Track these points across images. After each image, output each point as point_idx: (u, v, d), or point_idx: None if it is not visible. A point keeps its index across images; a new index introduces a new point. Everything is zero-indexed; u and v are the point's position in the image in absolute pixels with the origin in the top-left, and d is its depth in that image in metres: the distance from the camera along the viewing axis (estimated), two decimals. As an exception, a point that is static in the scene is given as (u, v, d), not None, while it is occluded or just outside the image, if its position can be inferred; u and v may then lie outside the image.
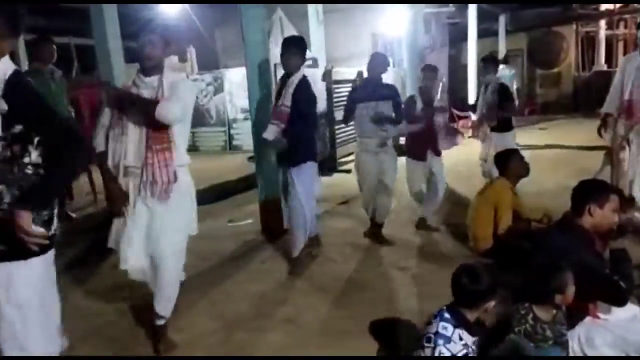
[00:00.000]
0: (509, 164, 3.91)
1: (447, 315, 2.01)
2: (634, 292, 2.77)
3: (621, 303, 2.41)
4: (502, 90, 5.35)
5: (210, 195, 5.96)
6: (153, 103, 2.60)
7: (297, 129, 3.72)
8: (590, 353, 2.37)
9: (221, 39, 13.36)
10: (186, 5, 11.99)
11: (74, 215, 5.78)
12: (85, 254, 4.58)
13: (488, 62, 5.59)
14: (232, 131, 10.70)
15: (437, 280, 3.60)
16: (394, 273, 3.90)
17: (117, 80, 5.62)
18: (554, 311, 2.24)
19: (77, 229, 5.23)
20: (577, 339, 2.39)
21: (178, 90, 2.67)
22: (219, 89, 10.56)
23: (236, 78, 10.06)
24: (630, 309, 2.52)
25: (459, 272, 2.09)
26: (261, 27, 4.69)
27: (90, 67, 9.60)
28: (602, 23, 15.63)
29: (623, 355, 2.35)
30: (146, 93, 2.69)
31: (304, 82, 3.76)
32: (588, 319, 2.44)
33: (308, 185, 3.85)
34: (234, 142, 10.71)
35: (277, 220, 4.84)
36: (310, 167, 3.88)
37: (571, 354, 2.40)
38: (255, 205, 5.13)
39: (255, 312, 3.38)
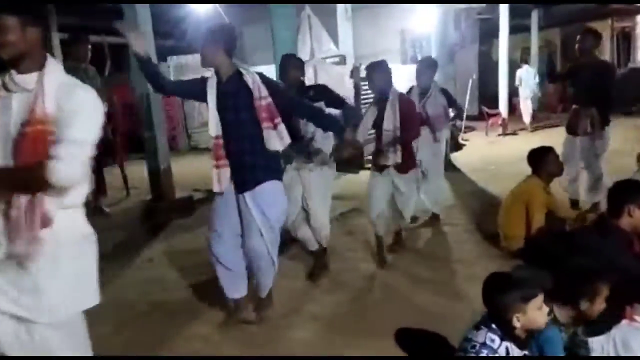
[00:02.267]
0: (543, 162, 3.83)
1: (494, 326, 1.93)
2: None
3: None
4: None
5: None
6: (34, 170, 1.65)
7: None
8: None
9: (250, 36, 13.45)
10: (216, 4, 12.13)
11: (107, 210, 5.93)
12: (119, 248, 4.70)
13: None
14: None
15: (464, 281, 3.57)
16: (420, 272, 3.87)
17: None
18: (572, 316, 2.17)
19: (111, 223, 5.37)
20: (613, 342, 2.32)
21: (79, 117, 1.72)
22: (247, 86, 10.69)
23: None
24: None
25: (486, 284, 2.01)
26: (290, 25, 4.71)
27: (123, 66, 9.82)
28: (639, 19, 15.11)
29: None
30: (17, 102, 1.75)
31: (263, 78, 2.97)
32: (625, 322, 2.37)
33: (273, 212, 2.99)
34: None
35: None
36: (274, 188, 3.00)
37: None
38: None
39: (281, 308, 3.39)
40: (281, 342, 2.99)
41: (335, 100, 3.71)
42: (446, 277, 3.75)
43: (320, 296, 3.57)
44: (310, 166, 3.66)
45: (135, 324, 3.28)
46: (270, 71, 4.82)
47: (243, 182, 2.94)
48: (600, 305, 2.11)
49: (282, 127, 2.90)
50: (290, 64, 3.70)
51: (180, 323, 3.22)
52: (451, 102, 4.90)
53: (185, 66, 11.40)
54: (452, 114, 5.13)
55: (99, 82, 5.78)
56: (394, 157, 3.84)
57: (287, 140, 2.94)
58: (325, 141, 3.66)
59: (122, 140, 6.75)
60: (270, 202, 2.95)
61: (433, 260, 4.08)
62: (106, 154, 5.84)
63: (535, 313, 1.89)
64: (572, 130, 4.93)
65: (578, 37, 4.90)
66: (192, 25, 12.48)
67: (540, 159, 3.83)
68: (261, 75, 2.97)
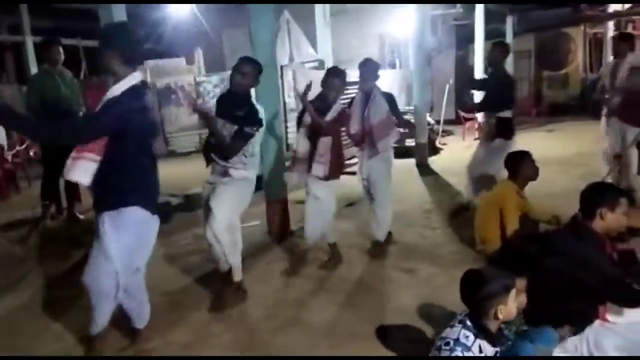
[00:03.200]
0: (518, 166, 3.89)
1: (469, 323, 1.97)
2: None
3: (635, 305, 2.40)
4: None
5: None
6: None
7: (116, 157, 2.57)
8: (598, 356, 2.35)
9: (229, 40, 13.41)
10: (194, 7, 12.06)
11: (81, 216, 5.82)
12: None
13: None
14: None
15: (443, 283, 3.61)
16: (401, 275, 3.90)
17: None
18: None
19: (85, 230, 5.27)
20: (586, 342, 2.37)
21: None
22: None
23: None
24: (638, 311, 2.51)
25: (464, 280, 2.05)
26: (269, 29, 4.71)
27: (98, 69, 9.66)
28: (610, 24, 15.54)
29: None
30: None
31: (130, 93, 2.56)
32: (597, 322, 2.43)
33: (129, 241, 2.66)
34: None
35: (283, 221, 4.88)
36: (134, 215, 2.65)
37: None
38: (262, 206, 5.14)
39: (263, 313, 3.39)
40: (263, 347, 2.98)
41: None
42: (425, 280, 3.78)
43: (302, 300, 3.56)
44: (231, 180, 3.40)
45: (113, 332, 3.22)
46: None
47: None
48: (521, 298, 2.16)
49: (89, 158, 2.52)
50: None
51: (159, 330, 3.18)
52: (393, 108, 4.31)
53: (162, 70, 11.28)
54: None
55: (76, 87, 5.69)
56: (321, 168, 3.84)
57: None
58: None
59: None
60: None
61: (412, 263, 4.11)
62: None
63: (513, 304, 1.96)
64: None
65: (489, 48, 5.06)
66: (169, 28, 12.38)
67: (516, 163, 3.90)
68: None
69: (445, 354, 1.95)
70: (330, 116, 3.88)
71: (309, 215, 4.02)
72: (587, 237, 2.40)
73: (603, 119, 5.24)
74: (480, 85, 5.30)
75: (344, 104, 4.22)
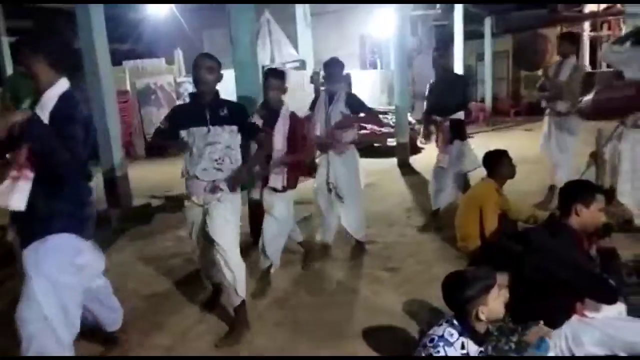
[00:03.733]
0: (496, 164, 3.94)
1: (455, 322, 2.00)
2: (622, 289, 2.83)
3: (612, 301, 2.45)
4: None
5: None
6: None
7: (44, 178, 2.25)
8: (577, 351, 2.39)
9: (209, 41, 13.33)
10: (174, 8, 11.95)
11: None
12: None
13: None
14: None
15: (425, 281, 3.64)
16: (383, 275, 3.91)
17: (105, 84, 5.59)
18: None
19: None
20: (564, 337, 2.41)
21: None
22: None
23: (225, 80, 10.07)
24: (616, 306, 2.56)
25: (445, 284, 2.06)
26: (249, 29, 4.69)
27: (76, 70, 9.52)
28: (586, 25, 15.86)
29: (610, 354, 2.38)
30: None
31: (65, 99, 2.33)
32: (575, 317, 2.47)
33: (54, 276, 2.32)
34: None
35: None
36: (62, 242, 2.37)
37: (558, 353, 2.43)
38: (244, 207, 5.12)
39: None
40: (245, 349, 2.96)
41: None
42: (407, 278, 3.81)
43: (284, 301, 3.55)
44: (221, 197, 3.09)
45: (91, 337, 3.17)
46: (229, 76, 4.78)
47: None
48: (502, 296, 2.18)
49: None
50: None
51: (140, 334, 3.14)
52: (357, 107, 4.12)
53: (141, 70, 11.16)
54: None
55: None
56: (278, 179, 3.64)
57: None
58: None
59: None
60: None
61: (394, 262, 4.14)
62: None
63: (495, 303, 1.96)
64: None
65: (440, 53, 4.92)
66: (148, 29, 12.25)
67: (493, 161, 3.95)
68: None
69: (429, 351, 1.97)
70: (280, 123, 3.62)
71: (268, 237, 3.74)
72: (564, 234, 2.44)
73: (546, 118, 5.36)
74: (430, 88, 5.07)
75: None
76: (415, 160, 8.61)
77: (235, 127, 3.11)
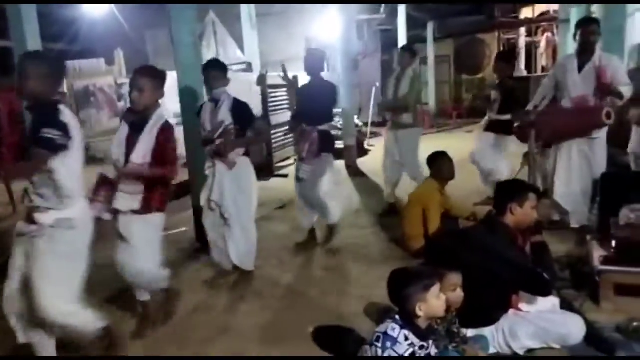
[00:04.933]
0: (437, 165, 4.07)
1: (397, 317, 2.06)
2: (555, 283, 2.99)
3: (546, 293, 2.58)
4: None
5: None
6: None
7: None
8: (513, 345, 2.51)
9: (152, 41, 12.96)
10: (113, 6, 11.54)
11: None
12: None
13: None
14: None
15: (372, 281, 3.69)
16: (331, 276, 3.94)
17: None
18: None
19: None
20: (502, 331, 2.52)
21: None
22: (149, 93, 10.21)
23: (168, 82, 9.82)
24: (549, 299, 2.70)
25: (388, 280, 2.13)
26: (191, 30, 4.60)
27: (8, 70, 9.01)
28: (522, 30, 16.65)
29: (544, 346, 2.50)
30: None
31: None
32: (511, 311, 2.59)
33: None
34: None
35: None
36: None
37: (496, 347, 2.54)
38: (188, 212, 5.01)
39: (191, 322, 3.30)
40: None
41: None
42: (354, 279, 3.84)
43: (231, 307, 3.50)
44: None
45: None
46: (172, 77, 4.66)
47: None
48: (456, 293, 2.27)
49: None
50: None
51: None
52: (243, 120, 3.62)
53: (79, 72, 10.70)
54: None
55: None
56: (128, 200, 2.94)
57: None
58: None
59: (9, 152, 6.16)
60: None
61: (341, 263, 4.17)
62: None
63: (435, 301, 2.03)
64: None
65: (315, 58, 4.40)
66: (86, 27, 11.76)
67: (435, 162, 4.08)
68: None
69: (376, 350, 2.01)
70: (147, 132, 2.95)
71: (131, 272, 3.04)
72: (500, 232, 2.56)
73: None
74: (299, 95, 4.58)
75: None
76: (362, 162, 8.72)
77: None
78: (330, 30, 10.36)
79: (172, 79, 4.42)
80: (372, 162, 8.82)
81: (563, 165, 4.14)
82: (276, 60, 10.98)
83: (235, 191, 3.64)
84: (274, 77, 8.55)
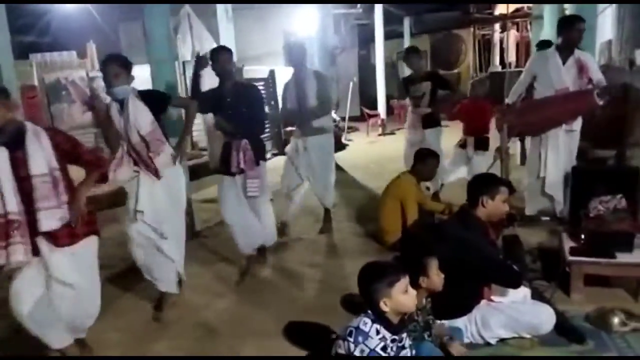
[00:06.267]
0: (422, 164, 4.12)
1: (369, 311, 2.06)
2: (526, 274, 3.05)
3: (516, 285, 2.63)
4: None
5: (117, 200, 5.62)
6: None
7: None
8: (485, 335, 2.55)
9: (126, 34, 12.71)
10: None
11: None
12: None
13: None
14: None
15: (347, 275, 3.70)
16: (305, 271, 3.94)
17: (6, 79, 5.16)
18: (424, 300, 2.37)
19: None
20: (475, 322, 2.57)
21: None
22: (123, 87, 10.00)
23: (143, 76, 9.66)
24: (521, 290, 2.76)
25: (358, 275, 2.12)
26: (165, 23, 4.53)
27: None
28: (497, 26, 16.87)
29: (515, 336, 2.56)
30: None
31: None
32: (484, 302, 2.63)
33: None
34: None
35: (188, 221, 4.72)
36: None
37: (469, 337, 2.58)
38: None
39: (166, 319, 3.26)
40: (165, 353, 2.87)
41: None
42: (331, 273, 3.86)
43: (205, 303, 3.47)
44: None
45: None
46: (146, 71, 4.59)
47: None
48: (437, 276, 2.30)
49: None
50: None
51: (34, 347, 2.93)
52: (156, 108, 3.11)
53: (50, 65, 10.43)
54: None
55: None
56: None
57: None
58: None
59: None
60: None
61: (318, 258, 4.17)
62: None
63: (401, 297, 2.03)
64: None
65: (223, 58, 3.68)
66: (57, 19, 11.47)
67: (421, 159, 4.12)
68: None
69: (348, 345, 2.01)
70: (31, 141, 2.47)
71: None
72: (472, 224, 2.60)
73: None
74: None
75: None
76: (339, 157, 8.74)
77: None
78: (307, 24, 10.33)
79: (145, 73, 4.32)
80: (350, 157, 8.87)
81: (552, 156, 4.24)
82: (253, 55, 10.91)
83: (162, 200, 3.18)
84: (251, 72, 8.50)
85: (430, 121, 5.17)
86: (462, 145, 5.36)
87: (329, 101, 4.39)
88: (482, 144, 5.26)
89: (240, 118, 3.60)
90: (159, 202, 3.16)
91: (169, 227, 3.20)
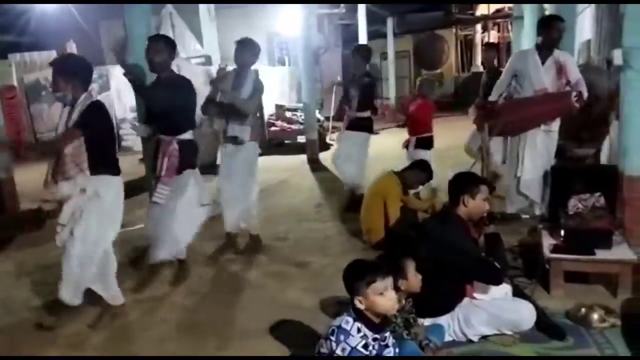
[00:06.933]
0: (410, 171, 4.16)
1: (351, 310, 2.07)
2: (507, 272, 3.09)
3: (497, 282, 2.66)
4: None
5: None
6: None
7: None
8: (468, 332, 2.58)
9: (106, 33, 12.56)
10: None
11: None
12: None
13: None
14: (121, 131, 10.12)
15: (332, 274, 3.71)
16: (292, 270, 3.93)
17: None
18: (403, 301, 2.38)
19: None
20: (457, 319, 2.59)
21: None
22: (104, 87, 9.88)
23: (118, 78, 9.59)
24: (502, 287, 2.79)
25: (343, 272, 2.13)
26: (147, 22, 4.48)
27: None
28: (478, 27, 17.07)
29: (497, 332, 2.59)
30: None
31: None
32: (466, 299, 2.66)
33: None
34: (124, 143, 10.13)
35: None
36: None
37: (452, 335, 2.60)
38: (146, 208, 4.89)
39: (149, 319, 3.23)
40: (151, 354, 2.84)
41: None
42: (315, 272, 3.86)
43: (190, 303, 3.45)
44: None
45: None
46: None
47: None
48: (415, 278, 2.33)
49: None
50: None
51: (29, 347, 2.89)
52: (85, 124, 2.93)
53: (30, 64, 10.28)
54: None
55: None
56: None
57: None
58: None
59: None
60: None
61: (303, 257, 4.17)
62: None
63: (376, 297, 2.02)
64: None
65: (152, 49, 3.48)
66: (36, 18, 11.29)
67: (411, 167, 4.16)
68: None
69: (330, 343, 2.02)
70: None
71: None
72: (453, 223, 2.62)
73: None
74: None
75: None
76: (324, 157, 8.75)
77: None
78: (291, 24, 10.32)
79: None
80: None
81: (529, 156, 4.28)
82: (236, 54, 10.84)
83: (88, 209, 3.03)
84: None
85: (355, 125, 5.15)
86: (406, 146, 5.35)
87: (253, 109, 4.10)
88: (422, 143, 5.24)
89: (167, 114, 3.42)
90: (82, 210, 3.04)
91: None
